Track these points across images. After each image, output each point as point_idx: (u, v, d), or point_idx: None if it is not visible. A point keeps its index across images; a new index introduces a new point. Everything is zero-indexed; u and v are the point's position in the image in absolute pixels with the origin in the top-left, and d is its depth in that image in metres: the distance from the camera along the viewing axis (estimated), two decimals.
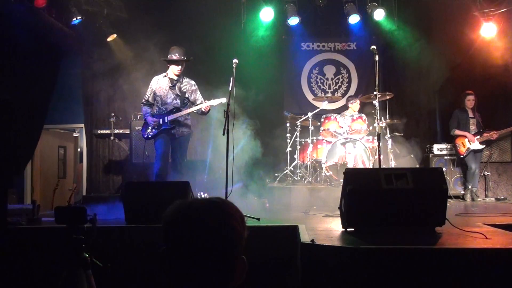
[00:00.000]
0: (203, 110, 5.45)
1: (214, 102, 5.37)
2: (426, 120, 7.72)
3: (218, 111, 5.39)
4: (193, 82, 5.69)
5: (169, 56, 5.55)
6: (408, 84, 7.94)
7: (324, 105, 7.09)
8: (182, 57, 5.52)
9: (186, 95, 5.63)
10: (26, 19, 6.27)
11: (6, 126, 4.23)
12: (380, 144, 4.97)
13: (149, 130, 5.56)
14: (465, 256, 2.79)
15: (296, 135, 6.96)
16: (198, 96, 5.67)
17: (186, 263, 1.15)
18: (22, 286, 3.70)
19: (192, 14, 7.39)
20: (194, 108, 5.52)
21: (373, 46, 5.22)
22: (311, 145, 6.74)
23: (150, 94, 5.67)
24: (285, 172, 6.90)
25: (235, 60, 4.93)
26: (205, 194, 6.18)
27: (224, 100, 4.79)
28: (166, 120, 5.49)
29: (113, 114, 7.35)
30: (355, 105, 7.18)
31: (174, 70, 5.58)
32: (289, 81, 8.23)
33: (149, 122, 5.54)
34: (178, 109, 5.54)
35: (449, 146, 7.43)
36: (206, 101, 5.48)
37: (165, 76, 5.65)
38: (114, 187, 7.65)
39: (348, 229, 3.58)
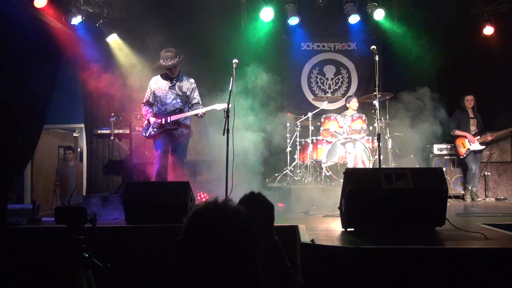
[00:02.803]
0: (200, 115, 5.44)
1: (218, 106, 5.32)
2: (426, 120, 7.71)
3: (218, 111, 5.38)
4: (192, 81, 5.66)
5: (161, 62, 5.49)
6: (408, 84, 7.93)
7: (324, 105, 7.09)
8: (170, 63, 5.42)
9: (187, 94, 5.61)
10: (26, 19, 6.27)
11: (6, 126, 4.24)
12: (380, 144, 4.97)
13: (150, 129, 5.55)
14: (465, 256, 2.79)
15: (296, 135, 6.95)
16: (196, 95, 5.64)
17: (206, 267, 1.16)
18: (22, 286, 3.70)
19: (192, 14, 7.39)
20: (193, 113, 5.47)
21: (373, 46, 5.23)
22: (311, 145, 6.74)
23: (150, 95, 5.65)
24: (285, 172, 6.90)
25: (235, 60, 4.92)
26: (205, 194, 6.18)
27: (225, 105, 4.80)
28: (168, 121, 5.47)
29: (113, 114, 7.34)
30: (353, 104, 7.17)
31: (168, 73, 5.56)
32: (289, 81, 8.20)
33: (151, 123, 5.52)
34: (181, 110, 5.52)
35: (449, 146, 7.42)
36: (213, 104, 5.43)
37: (164, 76, 5.64)
38: (114, 187, 7.64)
39: (348, 229, 3.58)
